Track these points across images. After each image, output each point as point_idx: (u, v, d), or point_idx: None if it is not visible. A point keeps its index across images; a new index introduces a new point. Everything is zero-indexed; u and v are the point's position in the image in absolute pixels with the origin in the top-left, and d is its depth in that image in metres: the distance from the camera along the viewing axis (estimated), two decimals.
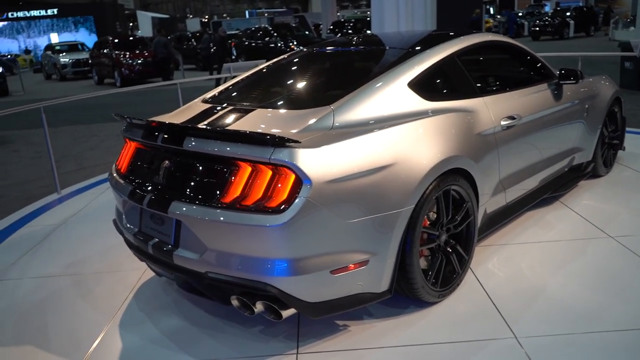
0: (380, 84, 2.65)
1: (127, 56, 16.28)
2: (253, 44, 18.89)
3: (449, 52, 3.03)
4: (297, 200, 2.07)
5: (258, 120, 2.52)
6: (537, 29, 26.33)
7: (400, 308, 2.66)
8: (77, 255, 3.60)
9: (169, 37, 21.60)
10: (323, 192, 2.12)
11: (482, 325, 2.49)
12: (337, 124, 2.38)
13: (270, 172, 2.14)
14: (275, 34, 18.20)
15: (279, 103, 2.78)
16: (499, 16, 31.21)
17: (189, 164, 2.39)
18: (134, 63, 16.08)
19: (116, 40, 17.61)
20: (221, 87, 3.26)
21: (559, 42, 24.41)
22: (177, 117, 2.85)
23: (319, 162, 2.14)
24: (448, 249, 2.72)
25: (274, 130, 2.33)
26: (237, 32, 23.82)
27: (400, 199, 2.33)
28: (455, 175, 2.65)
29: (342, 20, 21.99)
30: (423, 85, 2.78)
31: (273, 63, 3.52)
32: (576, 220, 3.62)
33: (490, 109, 3.02)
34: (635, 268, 2.93)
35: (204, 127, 2.50)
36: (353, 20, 19.16)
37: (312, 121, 2.37)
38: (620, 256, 3.07)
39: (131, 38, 18.41)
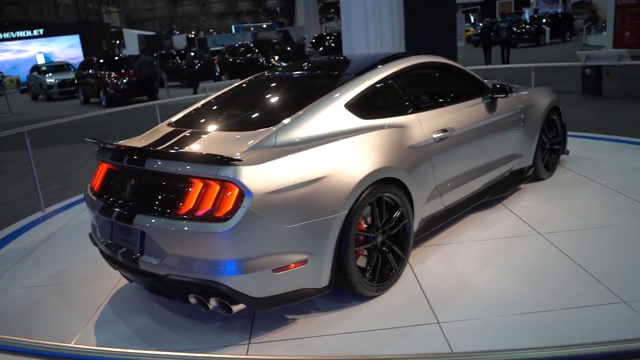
0: (319, 106, 3.03)
1: (112, 76, 16.63)
2: (237, 61, 19.30)
3: (385, 74, 3.43)
4: (240, 210, 2.44)
5: (211, 142, 2.89)
6: (514, 36, 26.96)
7: (343, 302, 3.02)
8: (60, 266, 3.93)
9: (154, 55, 21.99)
10: (263, 202, 2.49)
11: (412, 314, 2.85)
12: (278, 143, 2.75)
13: (218, 187, 2.51)
14: (256, 50, 18.64)
15: (229, 126, 3.15)
16: (480, 24, 31.96)
17: (150, 182, 2.76)
18: (119, 82, 16.43)
19: (101, 60, 17.97)
20: (185, 111, 3.63)
21: (535, 48, 25.09)
22: (144, 139, 3.21)
23: (259, 177, 2.51)
24: (385, 249, 3.09)
25: (223, 150, 2.70)
26: (221, 48, 24.22)
27: (335, 206, 2.71)
28: (387, 183, 3.03)
29: (325, 34, 22.49)
30: (358, 106, 3.17)
31: (232, 88, 3.90)
32: (513, 220, 4.01)
33: (423, 124, 3.41)
34: (553, 260, 3.31)
35: (163, 149, 2.86)
36: (335, 33, 19.61)
37: (256, 141, 2.74)
38: (544, 251, 3.46)
39: (116, 57, 18.78)
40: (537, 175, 4.79)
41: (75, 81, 19.26)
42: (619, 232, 3.63)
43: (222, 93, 3.84)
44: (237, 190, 2.47)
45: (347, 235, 2.79)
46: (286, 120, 2.91)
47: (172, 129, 3.27)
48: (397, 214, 3.12)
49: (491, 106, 4.06)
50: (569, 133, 6.73)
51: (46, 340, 1.43)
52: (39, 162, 8.62)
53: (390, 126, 3.20)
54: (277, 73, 3.94)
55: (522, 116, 4.41)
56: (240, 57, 19.19)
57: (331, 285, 2.80)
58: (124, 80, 16.54)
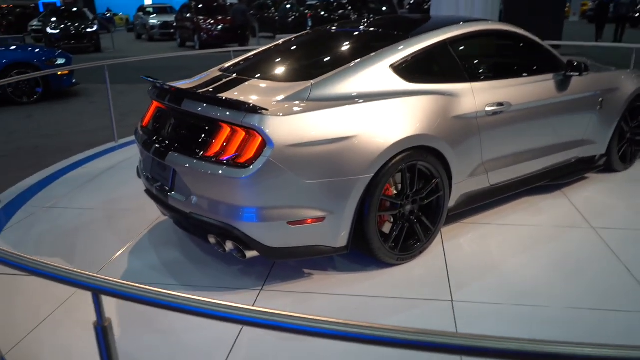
0: (363, 64, 2.94)
1: (207, 21, 17.12)
2: (326, 16, 19.10)
3: (441, 38, 3.24)
4: (260, 158, 2.47)
5: (249, 89, 2.91)
6: (637, 15, 24.47)
7: (363, 265, 3.00)
8: (115, 194, 4.22)
9: (250, 4, 22.29)
10: (284, 154, 2.49)
11: (428, 288, 2.78)
12: (312, 97, 2.71)
13: (243, 134, 2.54)
14: (349, 7, 18.30)
15: (272, 75, 3.13)
16: None
17: (184, 122, 2.85)
18: (212, 28, 16.90)
19: (199, 6, 18.51)
20: (240, 58, 3.67)
21: None
22: (193, 82, 3.30)
23: (283, 128, 2.50)
24: (413, 218, 3.00)
25: (256, 98, 2.72)
26: (316, 2, 24.05)
27: (360, 168, 2.65)
28: (424, 152, 2.91)
29: None
30: (406, 68, 3.04)
31: (289, 39, 3.87)
32: (567, 210, 3.74)
33: (476, 95, 3.21)
34: (598, 257, 3.06)
35: (200, 91, 2.92)
36: None
37: (290, 93, 2.72)
38: (591, 246, 3.20)
39: (214, 4, 19.22)
40: (609, 166, 4.40)
41: (174, 24, 20.04)
42: None
43: (279, 44, 3.83)
44: (260, 139, 2.49)
45: (370, 199, 2.74)
46: (325, 75, 2.85)
47: (220, 73, 3.33)
48: (431, 185, 3.01)
49: (562, 84, 3.73)
50: None
51: (75, 267, 1.53)
52: (125, 97, 9.20)
53: (437, 93, 3.05)
54: (337, 27, 3.85)
55: (601, 99, 4.03)
56: (333, 13, 18.95)
57: (349, 247, 2.79)
58: (218, 27, 16.98)
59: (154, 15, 23.56)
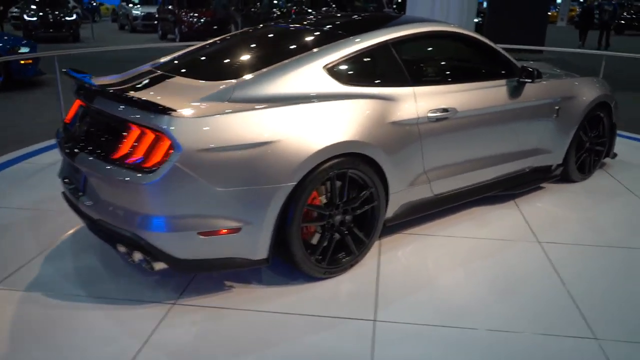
0: (293, 64, 2.75)
1: (189, 14, 16.82)
2: (312, 12, 18.89)
3: (382, 39, 3.06)
4: (165, 164, 2.27)
5: (170, 88, 2.71)
6: (623, 22, 24.54)
7: (290, 279, 2.81)
8: (50, 193, 3.98)
9: None
10: (194, 159, 2.30)
11: (353, 305, 2.60)
12: (234, 97, 2.52)
13: (152, 136, 2.34)
14: (333, 5, 18.11)
15: (199, 73, 2.93)
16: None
17: (97, 122, 2.64)
18: (194, 21, 16.61)
19: None
20: (176, 54, 3.46)
21: None
22: (118, 78, 3.08)
23: (194, 131, 2.31)
24: (344, 230, 2.83)
25: (174, 98, 2.51)
26: None
27: (281, 175, 2.46)
28: (355, 159, 2.73)
29: None
30: (342, 69, 2.86)
31: (229, 35, 3.67)
32: (516, 222, 3.58)
33: (418, 100, 3.04)
34: (540, 275, 2.91)
35: (115, 89, 2.71)
36: None
37: (210, 93, 2.53)
38: (534, 262, 3.05)
39: None
40: (567, 177, 4.26)
41: (157, 15, 19.70)
42: (628, 258, 3.13)
43: (219, 40, 3.63)
44: (168, 142, 2.29)
45: (293, 209, 2.56)
46: (250, 75, 2.66)
47: (149, 69, 3.12)
48: (364, 194, 2.83)
49: (515, 90, 3.57)
50: (631, 135, 6.01)
51: None
52: None
53: (374, 97, 2.87)
54: (279, 24, 3.66)
55: (557, 107, 3.88)
56: (318, 9, 18.74)
57: (269, 259, 2.60)
58: (200, 20, 16.69)
59: (138, 5, 23.15)
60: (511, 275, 2.91)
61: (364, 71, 2.99)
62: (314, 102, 2.64)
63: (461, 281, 2.83)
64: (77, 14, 19.54)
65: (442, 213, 3.59)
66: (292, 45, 3.12)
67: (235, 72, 2.79)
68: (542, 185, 4.22)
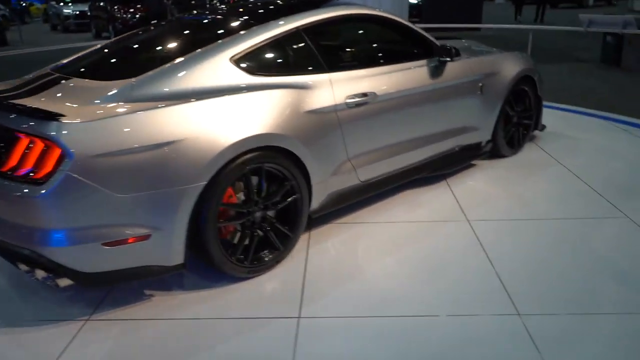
0: (197, 58, 2.61)
1: (122, 10, 16.21)
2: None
3: (293, 25, 2.95)
4: (57, 174, 2.11)
5: (65, 91, 2.52)
6: None
7: (213, 281, 2.70)
8: None
9: None
10: (89, 166, 2.14)
11: (278, 303, 2.51)
12: (134, 97, 2.37)
13: (42, 145, 2.16)
14: None
15: (98, 73, 2.75)
16: None
17: None
18: (128, 17, 16.02)
19: None
20: (80, 54, 3.25)
21: (576, 10, 23.41)
22: (14, 83, 2.87)
23: (87, 136, 2.15)
24: (266, 226, 2.73)
25: (68, 102, 2.34)
26: None
27: (188, 176, 2.33)
28: (271, 153, 2.63)
29: None
30: (251, 60, 2.74)
31: (135, 32, 3.47)
32: (447, 201, 3.58)
33: (335, 86, 2.96)
34: (468, 255, 2.89)
35: (3, 95, 2.50)
36: None
37: (107, 93, 2.36)
38: (463, 242, 3.04)
39: None
40: (497, 152, 4.30)
41: (89, 13, 18.91)
42: (554, 229, 3.17)
43: (126, 36, 3.42)
44: (59, 150, 2.12)
45: (207, 209, 2.44)
46: (152, 72, 2.51)
47: (46, 72, 2.91)
48: (284, 188, 2.74)
49: (436, 70, 3.55)
50: (559, 106, 6.17)
51: None
52: None
53: (287, 86, 2.76)
54: (192, 16, 3.50)
55: (481, 84, 3.88)
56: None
57: (185, 264, 2.48)
58: (135, 16, 16.11)
59: (70, 4, 22.13)
60: (440, 257, 2.88)
61: (274, 60, 2.88)
62: (220, 96, 2.51)
63: (390, 268, 2.79)
64: (3, 15, 18.53)
65: (374, 199, 3.54)
66: (199, 37, 2.97)
67: (136, 69, 2.61)
68: (473, 162, 4.24)
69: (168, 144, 2.29)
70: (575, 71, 8.78)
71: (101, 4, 17.27)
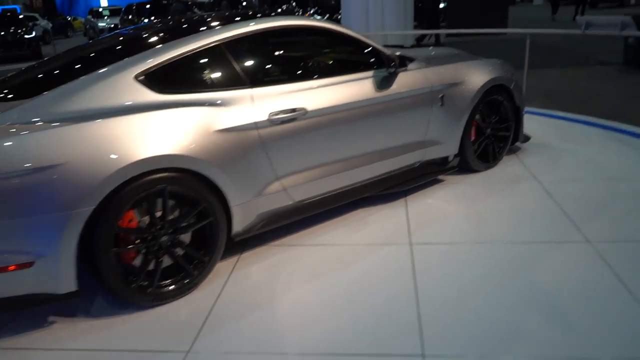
0: (98, 76, 2.53)
1: (147, 22, 16.60)
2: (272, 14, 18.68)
3: (210, 40, 2.83)
4: None
5: None
6: None
7: (121, 308, 2.59)
8: None
9: (188, 3, 21.69)
10: None
11: (173, 336, 2.37)
12: (20, 119, 2.30)
13: None
14: (293, 2, 17.87)
15: (10, 93, 2.69)
16: None
17: None
18: None
19: (146, 6, 17.95)
20: (16, 72, 3.23)
21: (616, 9, 22.35)
22: None
23: None
24: (175, 251, 2.61)
25: None
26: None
27: (72, 200, 2.24)
28: (176, 174, 2.51)
29: None
30: (159, 78, 2.63)
31: (69, 49, 3.42)
32: (397, 222, 3.35)
33: (257, 102, 2.81)
34: (395, 283, 2.67)
35: None
36: None
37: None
38: (396, 268, 2.82)
39: (147, 5, 18.56)
40: (468, 167, 4.03)
41: (119, 26, 19.49)
42: (500, 254, 2.89)
43: (56, 55, 3.37)
44: None
45: (100, 235, 2.34)
46: (49, 92, 2.44)
47: None
48: (194, 210, 2.61)
49: (383, 82, 3.34)
50: (558, 114, 5.78)
51: None
52: None
53: (198, 104, 2.64)
54: (120, 32, 3.43)
55: (441, 95, 3.64)
56: (278, 9, 18.50)
57: (79, 291, 2.38)
58: None
59: (106, 17, 22.95)
60: (363, 284, 2.68)
61: (186, 77, 2.76)
62: (116, 116, 2.41)
63: (306, 297, 2.61)
64: (45, 30, 19.30)
65: (320, 217, 3.38)
66: (113, 55, 2.86)
67: (35, 89, 2.55)
68: (440, 178, 3.99)
69: (50, 167, 2.20)
70: (593, 75, 8.28)
71: (129, 16, 17.73)
